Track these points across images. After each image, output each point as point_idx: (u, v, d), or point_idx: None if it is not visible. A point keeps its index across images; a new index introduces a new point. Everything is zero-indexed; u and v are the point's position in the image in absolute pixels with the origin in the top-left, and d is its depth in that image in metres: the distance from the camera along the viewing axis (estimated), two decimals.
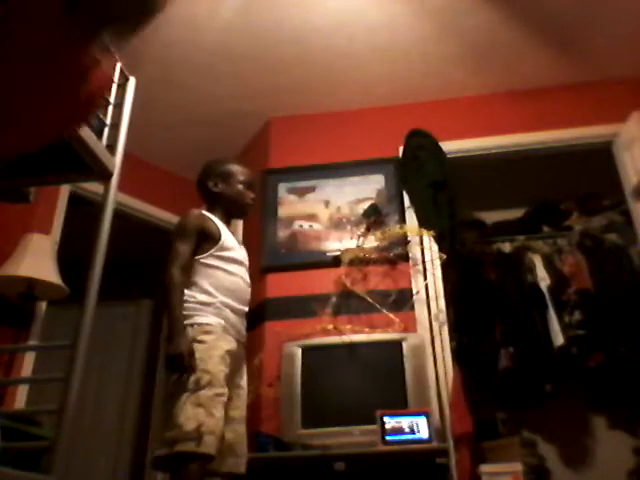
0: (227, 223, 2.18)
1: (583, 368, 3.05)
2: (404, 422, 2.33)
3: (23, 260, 2.68)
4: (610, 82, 3.29)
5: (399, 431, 2.32)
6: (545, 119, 3.28)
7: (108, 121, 1.79)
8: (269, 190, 3.33)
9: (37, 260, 2.72)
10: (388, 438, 2.30)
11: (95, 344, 1.69)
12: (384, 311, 2.83)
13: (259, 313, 2.93)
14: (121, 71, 1.92)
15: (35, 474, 1.39)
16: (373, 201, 3.19)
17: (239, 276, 2.08)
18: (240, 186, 2.21)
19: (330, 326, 2.81)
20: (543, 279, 3.23)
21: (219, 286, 1.99)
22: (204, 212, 2.14)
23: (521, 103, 3.36)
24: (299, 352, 2.61)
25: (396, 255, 3.00)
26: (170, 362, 1.81)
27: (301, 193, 3.32)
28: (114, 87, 1.88)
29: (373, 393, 2.53)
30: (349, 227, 3.16)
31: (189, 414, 1.73)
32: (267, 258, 3.15)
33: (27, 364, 2.87)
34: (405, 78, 3.31)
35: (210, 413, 1.75)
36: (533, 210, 3.72)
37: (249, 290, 2.15)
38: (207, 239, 2.04)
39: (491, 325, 3.19)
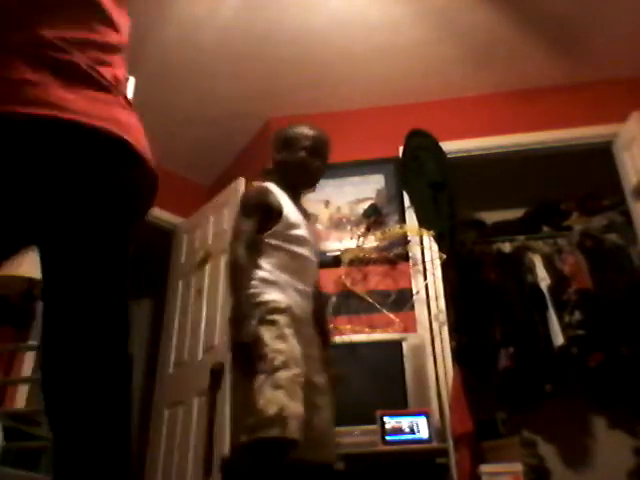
0: (294, 196, 1.98)
1: (583, 368, 3.05)
2: (404, 422, 2.33)
3: (23, 260, 2.68)
4: (610, 82, 3.29)
5: (399, 431, 2.32)
6: (545, 119, 3.28)
7: None
8: None
9: (37, 260, 2.71)
10: (388, 438, 2.30)
11: None
12: (384, 311, 2.83)
13: None
14: None
15: (35, 474, 1.39)
16: (373, 201, 3.19)
17: (303, 256, 1.92)
18: (303, 152, 1.97)
19: (330, 326, 2.80)
20: (543, 279, 3.23)
21: (281, 266, 1.86)
22: (267, 185, 1.95)
23: (521, 103, 3.36)
24: None
25: (396, 255, 3.00)
26: (237, 351, 1.72)
27: None
28: None
29: (373, 393, 2.53)
30: (349, 227, 3.16)
31: (269, 397, 1.60)
32: None
33: (27, 364, 2.87)
34: (405, 78, 3.31)
35: (291, 395, 1.62)
36: (533, 210, 3.71)
37: (315, 269, 2.02)
38: (270, 215, 1.87)
39: (491, 325, 3.19)
